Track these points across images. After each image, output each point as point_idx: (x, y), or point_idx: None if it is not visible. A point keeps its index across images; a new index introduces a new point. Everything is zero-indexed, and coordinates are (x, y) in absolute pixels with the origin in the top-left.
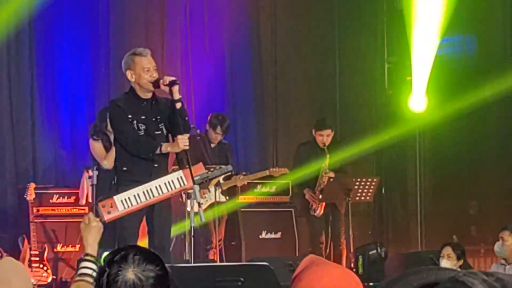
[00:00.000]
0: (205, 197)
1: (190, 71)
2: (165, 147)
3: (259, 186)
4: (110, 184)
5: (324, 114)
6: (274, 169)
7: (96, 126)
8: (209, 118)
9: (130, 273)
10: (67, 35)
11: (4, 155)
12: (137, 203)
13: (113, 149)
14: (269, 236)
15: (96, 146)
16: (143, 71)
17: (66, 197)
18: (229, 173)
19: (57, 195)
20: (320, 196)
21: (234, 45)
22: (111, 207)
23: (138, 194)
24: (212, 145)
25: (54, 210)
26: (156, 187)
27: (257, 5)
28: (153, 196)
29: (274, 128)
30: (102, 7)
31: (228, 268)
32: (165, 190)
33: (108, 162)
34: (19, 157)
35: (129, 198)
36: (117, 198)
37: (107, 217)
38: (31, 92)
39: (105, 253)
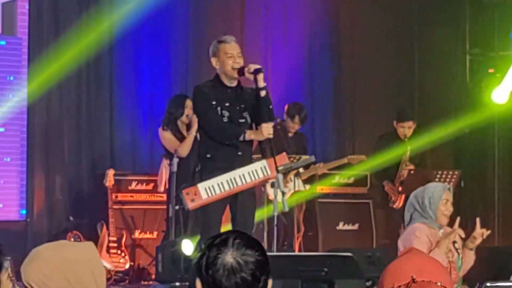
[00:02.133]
0: (287, 186)
1: (269, 60)
2: (249, 134)
3: (337, 177)
4: (194, 171)
5: (402, 105)
6: (352, 157)
7: (171, 114)
8: (286, 108)
9: (229, 257)
10: (146, 23)
11: (81, 141)
12: (221, 191)
13: (190, 136)
14: (346, 227)
15: (166, 136)
16: (226, 58)
17: (144, 184)
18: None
19: (136, 182)
20: (400, 188)
21: (313, 35)
22: (195, 195)
23: (222, 183)
24: (290, 135)
25: (133, 196)
26: (239, 176)
27: None
28: (237, 185)
29: (351, 118)
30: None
31: (312, 258)
32: (248, 179)
33: (183, 150)
34: (96, 143)
35: (212, 186)
36: (201, 186)
37: (190, 205)
38: (110, 78)
39: (184, 241)
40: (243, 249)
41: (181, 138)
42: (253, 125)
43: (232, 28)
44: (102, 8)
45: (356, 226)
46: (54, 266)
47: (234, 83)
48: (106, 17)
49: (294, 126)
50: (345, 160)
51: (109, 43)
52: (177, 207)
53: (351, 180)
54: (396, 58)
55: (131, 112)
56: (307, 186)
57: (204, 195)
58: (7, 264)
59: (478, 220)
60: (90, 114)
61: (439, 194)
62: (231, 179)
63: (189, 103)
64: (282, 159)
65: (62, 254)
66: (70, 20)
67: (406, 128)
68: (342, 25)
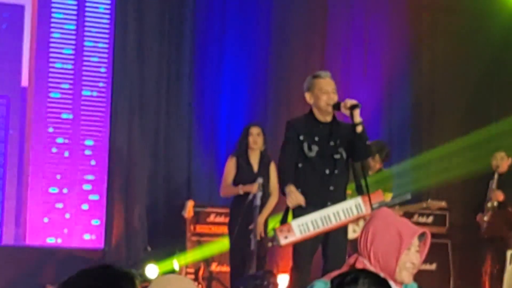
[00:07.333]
0: (359, 224)
1: (348, 94)
2: (288, 189)
3: (415, 216)
4: (287, 206)
5: (481, 147)
6: (432, 202)
7: (238, 143)
8: None
9: None
10: (227, 55)
11: (159, 171)
12: (314, 229)
13: (235, 189)
14: (423, 267)
15: (227, 164)
16: (321, 93)
17: (223, 216)
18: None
19: (214, 214)
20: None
21: (393, 72)
22: (288, 231)
23: (315, 220)
24: (370, 173)
25: (211, 228)
26: (333, 213)
27: (418, 33)
28: (331, 223)
29: (429, 159)
30: (263, 31)
31: None
32: (342, 217)
33: (223, 191)
34: (174, 173)
35: (306, 223)
36: (295, 223)
37: (283, 242)
38: (189, 109)
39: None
40: None
41: (246, 168)
42: (349, 161)
43: (313, 62)
44: (183, 35)
45: (433, 266)
46: None
47: (329, 118)
48: (187, 44)
49: (375, 164)
50: (423, 205)
51: (189, 72)
52: (270, 244)
53: (429, 220)
54: (476, 100)
55: (209, 144)
56: None
57: (297, 233)
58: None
59: None
60: (167, 144)
61: None
62: (325, 217)
63: (254, 130)
64: (378, 196)
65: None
66: (152, 43)
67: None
68: (422, 60)
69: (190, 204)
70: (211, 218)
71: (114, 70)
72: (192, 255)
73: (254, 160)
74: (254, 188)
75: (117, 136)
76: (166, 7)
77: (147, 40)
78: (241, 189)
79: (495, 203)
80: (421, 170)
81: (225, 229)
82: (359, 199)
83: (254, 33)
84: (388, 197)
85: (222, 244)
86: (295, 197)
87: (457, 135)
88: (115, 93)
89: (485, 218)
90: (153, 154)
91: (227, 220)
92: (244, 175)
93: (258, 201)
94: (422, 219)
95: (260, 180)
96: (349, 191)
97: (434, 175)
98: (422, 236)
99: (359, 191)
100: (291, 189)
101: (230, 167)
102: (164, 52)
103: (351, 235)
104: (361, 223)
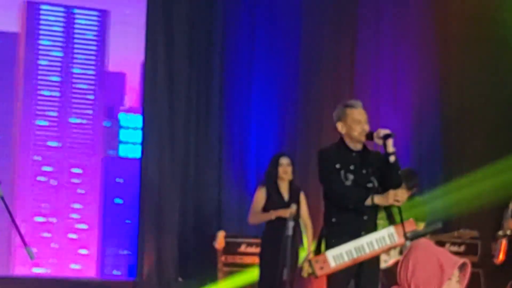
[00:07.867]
0: (389, 254)
1: (377, 124)
2: (377, 199)
3: (447, 245)
4: (320, 236)
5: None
6: (463, 231)
7: (268, 173)
8: None
9: None
10: (256, 86)
11: (188, 202)
12: (349, 259)
13: (266, 215)
14: None
15: (257, 193)
16: (354, 123)
17: (254, 246)
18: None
19: (245, 245)
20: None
21: (422, 100)
22: (324, 262)
23: (350, 250)
24: None
25: (242, 259)
26: (367, 243)
27: (447, 61)
28: (365, 253)
29: (459, 187)
30: (291, 61)
31: None
32: (376, 247)
33: (252, 219)
34: (204, 204)
35: (341, 254)
36: (329, 254)
37: (320, 273)
38: (219, 140)
39: None
40: None
41: (277, 197)
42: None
43: (342, 92)
44: (212, 67)
45: None
46: None
47: (359, 147)
48: (216, 76)
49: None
50: (455, 234)
51: (219, 103)
52: (306, 275)
53: (461, 249)
54: (505, 122)
55: (239, 174)
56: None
57: (332, 263)
58: None
59: None
60: (198, 174)
61: None
62: (359, 247)
63: (284, 160)
64: (410, 225)
65: None
66: (182, 75)
67: None
68: (451, 88)
69: (221, 234)
70: (242, 248)
71: (144, 103)
72: (223, 286)
73: (284, 189)
74: (287, 212)
75: (148, 167)
76: (196, 39)
77: (176, 72)
78: (273, 214)
79: (508, 232)
80: (452, 197)
81: (256, 259)
82: (391, 229)
83: (283, 63)
84: (421, 226)
85: (253, 275)
86: (393, 192)
87: (487, 161)
88: (146, 126)
89: (497, 246)
90: (183, 185)
91: (258, 250)
92: (274, 204)
93: (290, 231)
94: (454, 248)
95: (294, 206)
96: (380, 221)
97: (465, 203)
98: (461, 266)
99: (391, 221)
100: (379, 197)
101: (260, 196)
102: (194, 83)
103: (381, 265)
104: (392, 252)
